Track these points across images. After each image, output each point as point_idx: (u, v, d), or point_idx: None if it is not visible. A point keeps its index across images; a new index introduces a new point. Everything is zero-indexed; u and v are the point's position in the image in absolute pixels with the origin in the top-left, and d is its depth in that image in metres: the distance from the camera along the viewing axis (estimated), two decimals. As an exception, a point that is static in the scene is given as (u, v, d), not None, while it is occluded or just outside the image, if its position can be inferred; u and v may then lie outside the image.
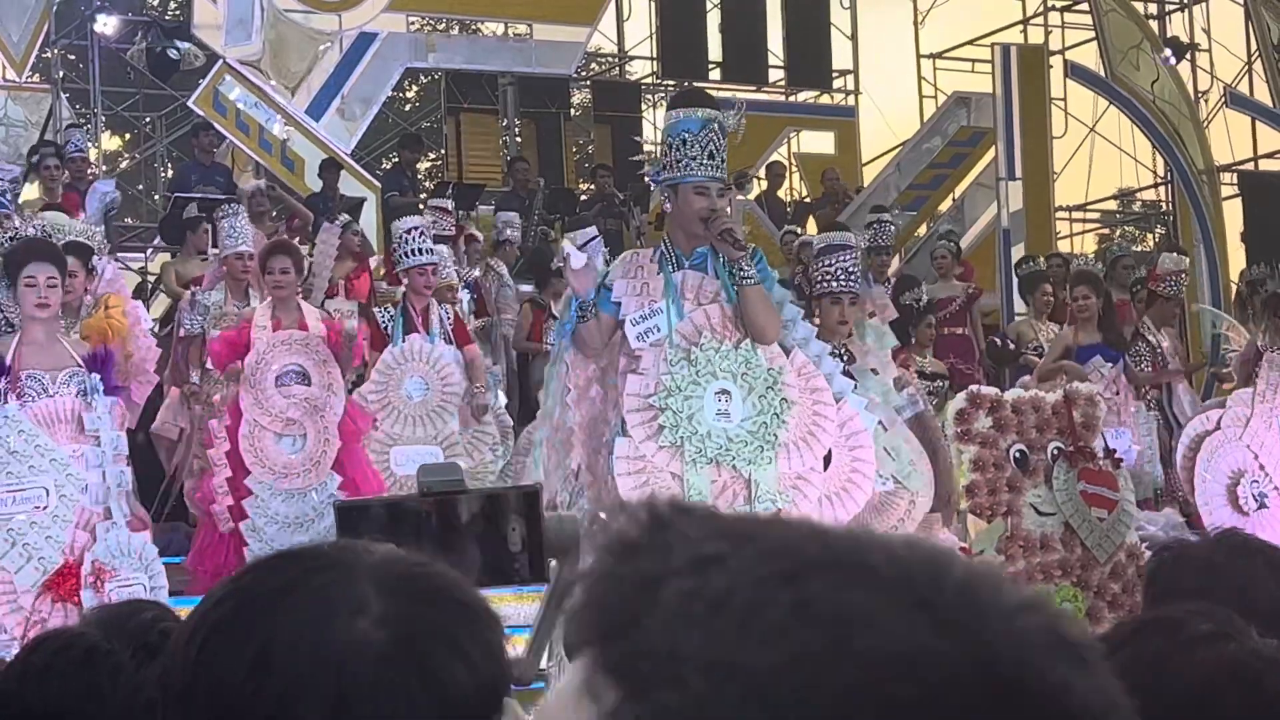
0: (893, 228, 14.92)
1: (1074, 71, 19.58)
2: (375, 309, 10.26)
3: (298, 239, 12.16)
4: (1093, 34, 19.67)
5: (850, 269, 8.00)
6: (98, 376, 7.30)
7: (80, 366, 7.28)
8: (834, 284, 7.84)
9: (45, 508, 6.90)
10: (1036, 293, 13.95)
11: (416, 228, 10.15)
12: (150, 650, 2.17)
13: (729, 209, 6.70)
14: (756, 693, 0.79)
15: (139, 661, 2.16)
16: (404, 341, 9.71)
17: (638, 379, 6.45)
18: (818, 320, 7.84)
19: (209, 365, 9.91)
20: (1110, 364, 11.31)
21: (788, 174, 21.69)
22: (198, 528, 9.20)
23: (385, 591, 1.27)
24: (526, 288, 13.77)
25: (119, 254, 14.22)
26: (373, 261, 13.12)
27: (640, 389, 6.44)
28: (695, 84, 14.54)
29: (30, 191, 15.62)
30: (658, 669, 0.80)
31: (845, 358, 7.93)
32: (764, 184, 20.36)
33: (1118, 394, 11.09)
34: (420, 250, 10.00)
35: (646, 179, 7.72)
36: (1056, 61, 20.24)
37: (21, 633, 6.84)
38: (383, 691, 1.23)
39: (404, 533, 1.52)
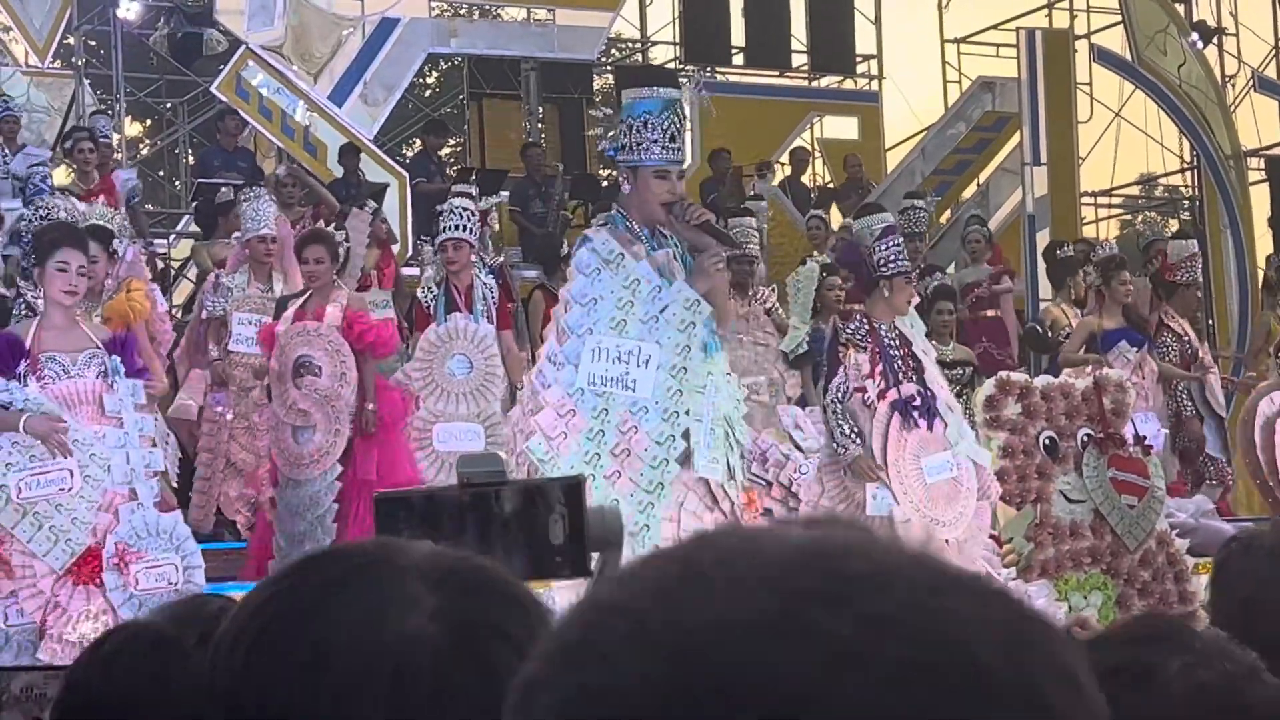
0: (925, 214, 14.88)
1: (1100, 56, 19.48)
2: (417, 291, 10.33)
3: (323, 224, 12.15)
4: (1119, 18, 19.55)
5: (904, 249, 8.11)
6: (118, 359, 7.27)
7: (100, 349, 7.25)
8: (902, 263, 7.97)
9: (70, 489, 6.88)
10: (1073, 278, 13.86)
11: (452, 207, 10.23)
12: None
13: (684, 191, 6.55)
14: None
15: (205, 650, 2.16)
16: (447, 320, 9.78)
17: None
18: (887, 294, 7.91)
19: (231, 346, 9.96)
20: (1135, 348, 11.26)
21: (811, 160, 21.62)
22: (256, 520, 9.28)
23: (435, 586, 1.24)
24: (532, 273, 13.77)
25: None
26: (395, 248, 13.09)
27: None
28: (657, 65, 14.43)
29: (59, 176, 15.63)
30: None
31: (898, 340, 7.96)
32: (787, 170, 20.29)
33: (1143, 379, 11.03)
34: (447, 227, 10.14)
35: (604, 151, 7.60)
36: (1082, 46, 20.13)
37: (41, 617, 6.82)
38: (441, 687, 1.21)
39: (444, 525, 1.48)
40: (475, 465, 1.57)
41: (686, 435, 6.31)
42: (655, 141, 6.35)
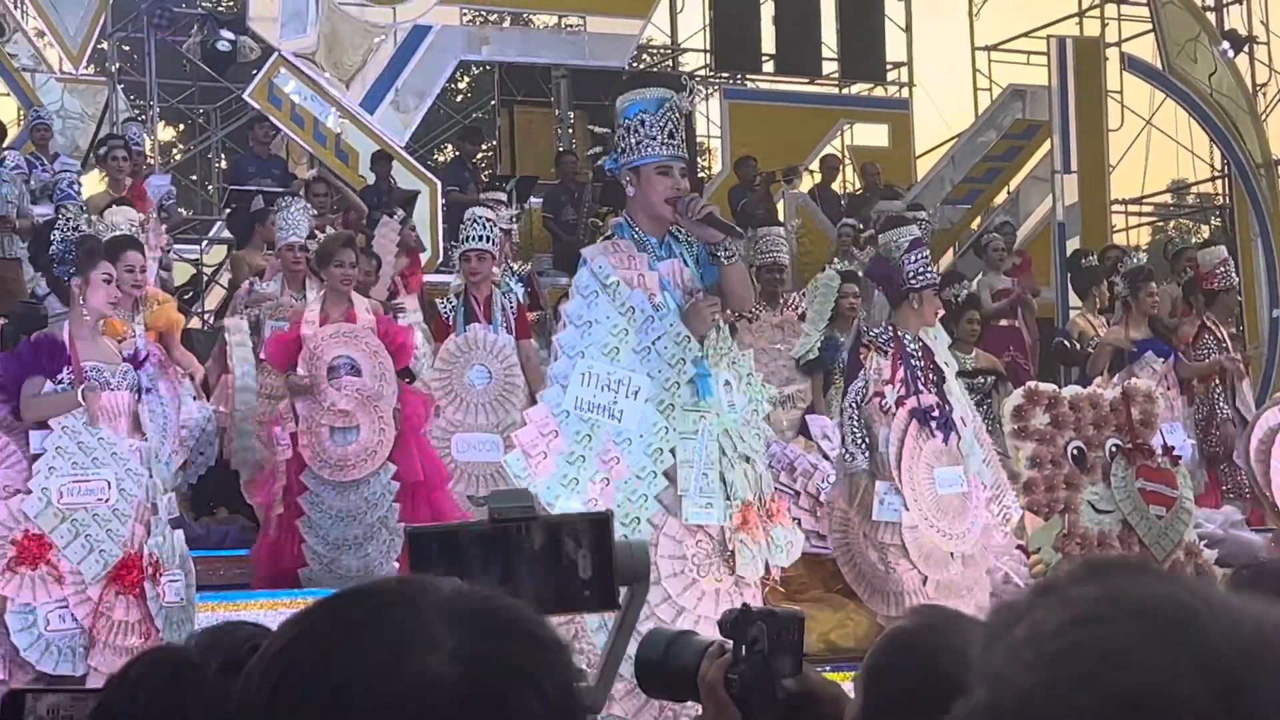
0: (930, 225, 14.91)
1: (1130, 64, 19.44)
2: (436, 300, 10.36)
3: (352, 230, 12.24)
4: (1149, 26, 19.52)
5: (930, 262, 8.22)
6: (142, 374, 7.32)
7: (126, 363, 7.30)
8: (930, 275, 8.03)
9: (107, 500, 6.94)
10: (1097, 287, 13.85)
11: (475, 217, 10.27)
12: (238, 666, 2.21)
13: (689, 187, 6.47)
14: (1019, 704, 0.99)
15: (225, 675, 2.22)
16: (466, 330, 9.82)
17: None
18: (915, 306, 7.95)
19: (262, 356, 9.98)
20: (1162, 359, 11.25)
21: (842, 167, 21.63)
22: (262, 522, 9.23)
23: (456, 626, 1.25)
24: (564, 279, 13.80)
25: (175, 246, 14.31)
26: (423, 256, 13.14)
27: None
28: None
29: (92, 182, 15.72)
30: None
31: (921, 351, 8.01)
32: (817, 177, 20.31)
33: (1169, 389, 11.02)
34: (470, 237, 10.16)
35: (605, 168, 7.49)
36: (1113, 54, 20.09)
37: (91, 623, 6.88)
38: None
39: (474, 558, 1.50)
40: (505, 500, 1.59)
41: (670, 473, 6.22)
42: (654, 139, 6.22)
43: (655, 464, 6.20)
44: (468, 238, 10.16)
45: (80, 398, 6.95)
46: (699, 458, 6.22)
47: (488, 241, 10.17)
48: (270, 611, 7.47)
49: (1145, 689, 0.91)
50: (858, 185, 21.67)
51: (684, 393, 6.24)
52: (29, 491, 6.86)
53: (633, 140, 6.26)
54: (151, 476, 7.15)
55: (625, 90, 6.71)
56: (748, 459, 6.41)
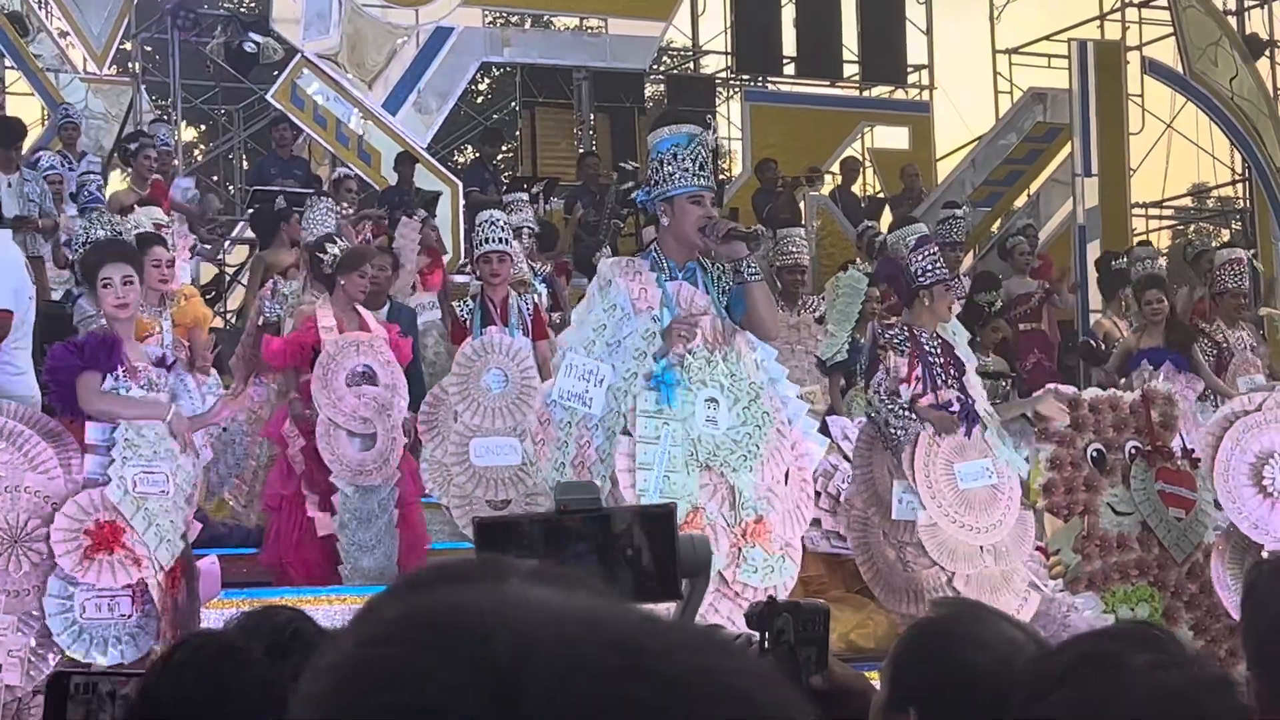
0: (964, 223, 14.89)
1: (1152, 68, 19.43)
2: (453, 303, 10.34)
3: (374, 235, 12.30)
4: (1170, 30, 19.51)
5: (940, 258, 8.19)
6: (172, 376, 7.38)
7: (158, 366, 7.35)
8: (939, 271, 8.02)
9: (168, 493, 7.04)
10: (1124, 289, 13.81)
11: (493, 219, 10.24)
12: (282, 649, 2.28)
13: (714, 212, 6.90)
14: None
15: (271, 659, 2.26)
16: (483, 334, 9.77)
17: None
18: (927, 303, 7.97)
19: (265, 354, 10.03)
20: (1155, 368, 10.99)
21: (862, 169, 21.66)
22: (268, 522, 9.27)
23: None
24: (585, 281, 13.83)
25: (200, 245, 14.40)
26: (446, 257, 13.18)
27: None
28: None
29: (113, 181, 15.82)
30: None
31: (939, 348, 8.01)
32: (838, 179, 20.35)
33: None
34: (490, 239, 10.07)
35: (638, 200, 7.91)
36: (1134, 57, 20.09)
37: (163, 608, 6.96)
38: None
39: (539, 551, 1.54)
40: (572, 493, 1.64)
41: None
42: (686, 171, 6.61)
43: (611, 447, 6.59)
44: (486, 239, 10.05)
45: (169, 421, 7.06)
46: (659, 462, 6.54)
47: (506, 243, 10.16)
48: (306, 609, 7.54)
49: (417, 705, 0.89)
50: (879, 188, 21.71)
51: (645, 392, 6.59)
52: (59, 500, 6.92)
53: (666, 172, 6.65)
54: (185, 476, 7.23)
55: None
56: (708, 466, 6.66)
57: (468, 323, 9.87)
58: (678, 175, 6.60)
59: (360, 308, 9.27)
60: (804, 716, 0.95)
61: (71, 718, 2.43)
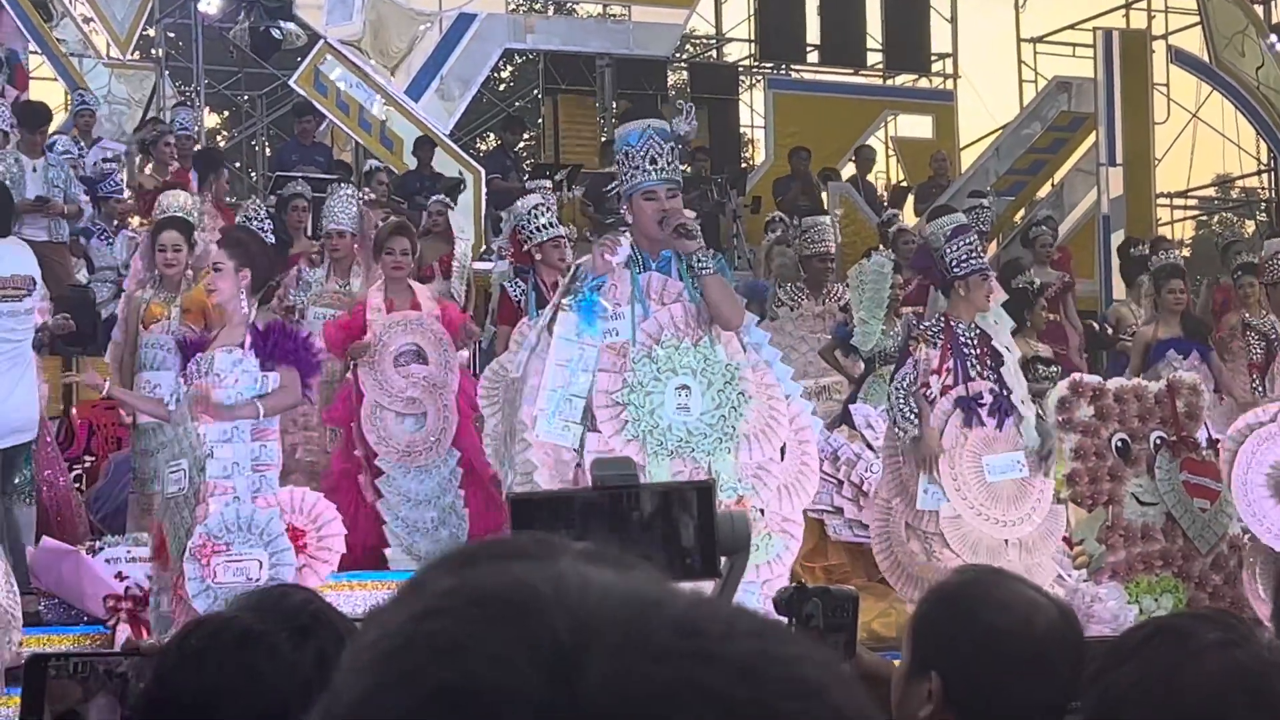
0: (990, 213, 14.85)
1: (1177, 57, 19.39)
2: (505, 285, 10.41)
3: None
4: (1196, 19, 19.46)
5: (978, 248, 8.11)
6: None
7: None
8: (975, 261, 7.93)
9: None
10: (1139, 278, 13.77)
11: (541, 204, 10.32)
12: (304, 632, 2.21)
13: (680, 207, 6.94)
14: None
15: (294, 643, 2.20)
16: (538, 314, 9.84)
17: (605, 376, 6.69)
18: (963, 294, 7.90)
19: (319, 343, 10.04)
20: (1183, 357, 10.98)
21: (880, 158, 21.59)
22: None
23: None
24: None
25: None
26: (459, 246, 13.10)
27: (608, 385, 6.67)
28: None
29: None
30: None
31: (977, 338, 7.93)
32: (853, 168, 20.27)
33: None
34: (550, 224, 10.21)
35: (616, 196, 8.04)
36: (1159, 46, 20.04)
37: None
38: None
39: (577, 526, 1.52)
40: (609, 469, 1.62)
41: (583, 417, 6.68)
42: (638, 168, 6.68)
43: (569, 411, 6.71)
44: (540, 226, 10.13)
45: (261, 412, 7.12)
46: (564, 383, 6.67)
47: (557, 226, 10.32)
48: (347, 592, 7.70)
49: (468, 679, 0.86)
50: (900, 176, 21.66)
51: (565, 315, 6.75)
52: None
53: (623, 172, 6.80)
54: (233, 456, 7.21)
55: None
56: (680, 455, 6.69)
57: (521, 304, 9.93)
58: (630, 174, 6.70)
59: (418, 285, 9.32)
60: (872, 714, 0.91)
61: (69, 695, 2.41)
